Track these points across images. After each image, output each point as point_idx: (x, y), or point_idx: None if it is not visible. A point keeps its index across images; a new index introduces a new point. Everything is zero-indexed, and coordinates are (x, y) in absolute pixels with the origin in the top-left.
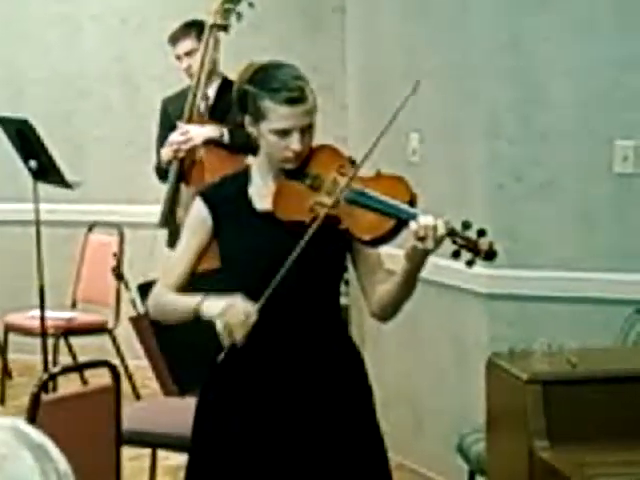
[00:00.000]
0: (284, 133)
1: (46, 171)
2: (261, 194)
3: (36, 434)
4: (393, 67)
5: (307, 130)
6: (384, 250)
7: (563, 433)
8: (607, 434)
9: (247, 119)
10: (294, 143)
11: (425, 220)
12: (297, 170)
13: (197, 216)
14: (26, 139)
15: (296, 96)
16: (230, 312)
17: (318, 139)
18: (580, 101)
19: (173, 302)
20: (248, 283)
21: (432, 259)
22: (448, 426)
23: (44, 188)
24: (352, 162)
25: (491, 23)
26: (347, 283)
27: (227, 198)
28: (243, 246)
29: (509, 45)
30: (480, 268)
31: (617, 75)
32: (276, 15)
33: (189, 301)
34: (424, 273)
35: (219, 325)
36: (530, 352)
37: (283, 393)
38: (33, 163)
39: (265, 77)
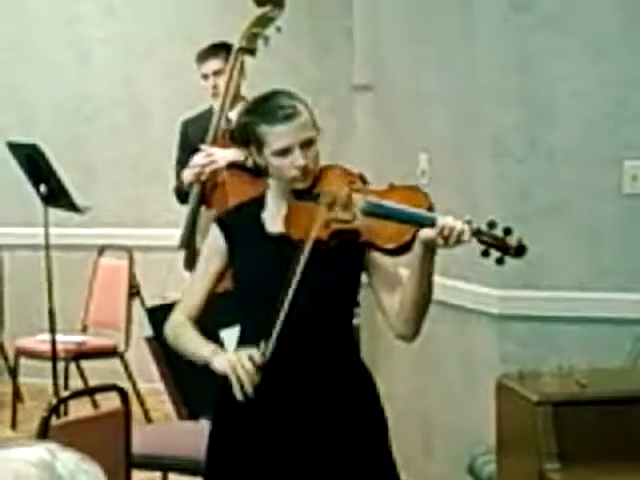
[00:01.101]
0: (285, 152)
1: (56, 196)
2: (273, 218)
3: (70, 475)
4: (401, 88)
5: (308, 145)
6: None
7: (573, 455)
8: (617, 455)
9: (252, 150)
10: (297, 159)
11: (453, 222)
12: (308, 191)
13: (213, 242)
14: (36, 164)
15: (289, 113)
16: (237, 368)
17: (327, 160)
18: (588, 120)
19: (186, 341)
20: (261, 307)
21: (442, 280)
22: (459, 447)
23: (54, 212)
24: (362, 179)
25: (498, 43)
26: (357, 304)
27: (242, 224)
28: (255, 270)
29: (517, 65)
30: (490, 289)
31: (626, 94)
32: (285, 38)
33: (200, 351)
34: (434, 294)
35: (230, 379)
36: (540, 374)
37: (294, 417)
38: (43, 188)
39: (259, 105)
